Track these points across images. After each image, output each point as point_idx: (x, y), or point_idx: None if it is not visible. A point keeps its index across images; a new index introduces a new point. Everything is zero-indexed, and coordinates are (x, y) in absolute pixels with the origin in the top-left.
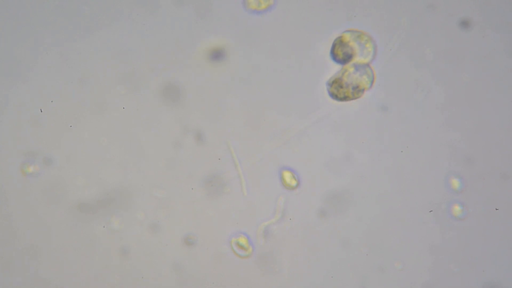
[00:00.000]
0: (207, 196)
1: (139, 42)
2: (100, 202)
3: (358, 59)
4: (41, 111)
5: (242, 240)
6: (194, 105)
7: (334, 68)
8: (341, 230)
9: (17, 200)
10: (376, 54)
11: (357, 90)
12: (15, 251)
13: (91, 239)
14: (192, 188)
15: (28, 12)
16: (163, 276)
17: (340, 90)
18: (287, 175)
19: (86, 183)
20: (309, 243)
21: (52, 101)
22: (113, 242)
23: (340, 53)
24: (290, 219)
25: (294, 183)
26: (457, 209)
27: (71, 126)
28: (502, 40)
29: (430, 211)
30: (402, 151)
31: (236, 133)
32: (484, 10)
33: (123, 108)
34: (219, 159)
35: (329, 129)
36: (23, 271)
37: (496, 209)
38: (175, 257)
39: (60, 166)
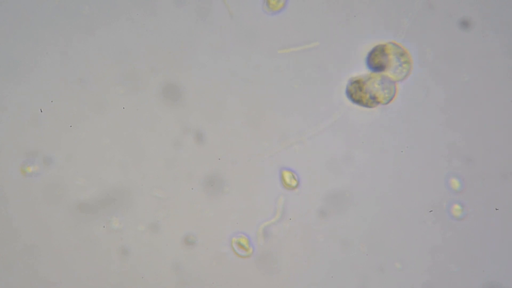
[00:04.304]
0: (207, 196)
1: (139, 42)
2: (100, 202)
3: (389, 73)
4: (41, 111)
5: (243, 240)
6: (194, 105)
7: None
8: (341, 230)
9: (17, 200)
10: (407, 77)
11: (373, 101)
12: (15, 251)
13: (91, 239)
14: (192, 188)
15: (28, 12)
16: (163, 276)
17: (357, 92)
18: (287, 175)
19: (86, 183)
20: (309, 243)
21: (52, 101)
22: (113, 242)
23: (376, 61)
24: (290, 219)
25: (294, 183)
26: (457, 209)
27: (71, 126)
28: (502, 40)
29: (430, 211)
30: (402, 151)
31: (236, 133)
32: (484, 10)
33: (123, 108)
34: (219, 159)
35: (329, 129)
36: (23, 271)
37: (496, 209)
38: (175, 257)
39: (60, 166)
